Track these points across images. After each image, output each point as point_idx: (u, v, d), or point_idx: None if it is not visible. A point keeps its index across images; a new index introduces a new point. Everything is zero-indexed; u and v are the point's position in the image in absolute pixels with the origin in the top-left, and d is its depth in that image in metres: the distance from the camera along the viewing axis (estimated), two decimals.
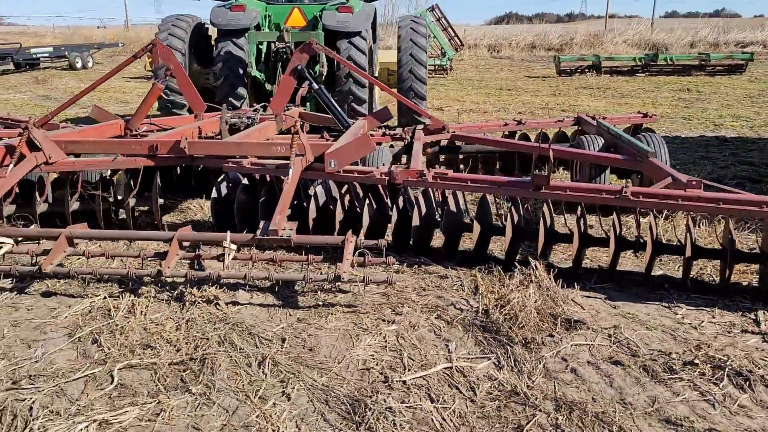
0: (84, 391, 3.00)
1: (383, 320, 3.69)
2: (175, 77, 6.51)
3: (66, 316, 3.74)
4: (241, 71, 8.71)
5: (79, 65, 24.72)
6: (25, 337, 3.52)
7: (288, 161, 4.87)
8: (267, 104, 7.26)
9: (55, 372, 3.16)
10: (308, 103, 8.48)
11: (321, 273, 4.05)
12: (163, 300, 3.96)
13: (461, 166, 6.51)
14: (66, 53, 24.97)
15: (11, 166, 4.56)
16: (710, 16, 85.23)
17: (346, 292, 4.05)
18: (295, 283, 4.09)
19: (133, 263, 4.33)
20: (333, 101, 6.44)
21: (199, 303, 3.90)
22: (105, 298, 3.97)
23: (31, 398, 2.94)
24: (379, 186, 4.67)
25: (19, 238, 4.20)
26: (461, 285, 4.12)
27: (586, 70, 20.44)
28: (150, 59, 20.94)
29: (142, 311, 3.77)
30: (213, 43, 9.60)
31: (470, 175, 4.52)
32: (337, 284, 3.88)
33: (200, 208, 5.90)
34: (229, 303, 3.92)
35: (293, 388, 3.01)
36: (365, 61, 8.74)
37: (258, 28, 8.95)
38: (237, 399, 2.92)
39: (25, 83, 19.27)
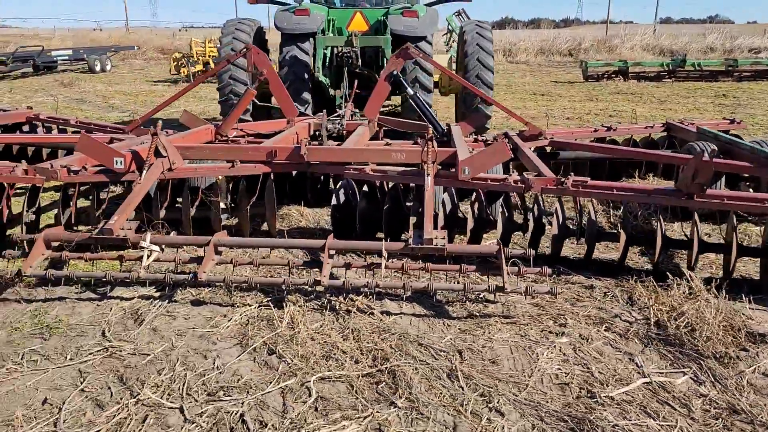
0: (286, 403, 2.95)
1: (549, 332, 3.64)
2: (268, 82, 6.44)
3: (228, 326, 3.68)
4: (306, 76, 8.66)
5: (98, 68, 24.62)
6: (197, 347, 3.47)
7: (409, 167, 4.86)
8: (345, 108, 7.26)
9: (246, 384, 3.11)
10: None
11: (481, 283, 3.98)
12: (316, 309, 3.90)
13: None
14: (84, 56, 24.90)
15: (145, 172, 4.51)
16: (704, 22, 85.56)
17: (494, 302, 4.00)
18: (449, 293, 4.03)
19: (280, 272, 4.29)
20: (429, 107, 6.39)
21: (354, 313, 3.85)
22: (258, 307, 3.91)
23: (237, 410, 2.88)
24: (514, 194, 4.63)
25: (163, 246, 4.14)
26: (613, 295, 4.07)
27: (613, 75, 20.42)
28: (175, 63, 21.12)
29: (301, 321, 3.72)
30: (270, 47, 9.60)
31: (612, 182, 4.47)
32: (497, 294, 3.83)
33: (300, 215, 5.83)
34: (383, 312, 3.87)
35: (498, 402, 2.96)
36: (430, 65, 8.71)
37: (322, 32, 8.92)
38: (449, 414, 2.87)
39: (50, 86, 19.14)
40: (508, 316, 3.82)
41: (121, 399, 2.98)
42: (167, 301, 4.00)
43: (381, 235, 4.93)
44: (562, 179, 4.41)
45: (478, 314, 3.86)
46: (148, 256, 3.96)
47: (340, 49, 8.80)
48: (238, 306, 3.94)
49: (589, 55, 30.02)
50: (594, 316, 3.80)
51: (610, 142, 6.78)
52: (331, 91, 8.93)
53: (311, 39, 8.73)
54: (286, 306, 3.87)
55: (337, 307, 3.91)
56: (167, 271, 4.01)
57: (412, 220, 4.76)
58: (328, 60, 9.00)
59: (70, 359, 3.34)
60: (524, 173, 4.70)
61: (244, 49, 6.38)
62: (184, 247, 4.37)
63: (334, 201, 5.03)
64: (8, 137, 6.81)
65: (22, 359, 3.35)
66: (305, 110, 8.57)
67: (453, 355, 3.39)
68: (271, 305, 3.93)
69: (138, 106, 14.65)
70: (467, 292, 3.74)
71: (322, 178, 6.01)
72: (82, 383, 3.12)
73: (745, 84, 18.92)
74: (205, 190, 5.17)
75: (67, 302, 4.00)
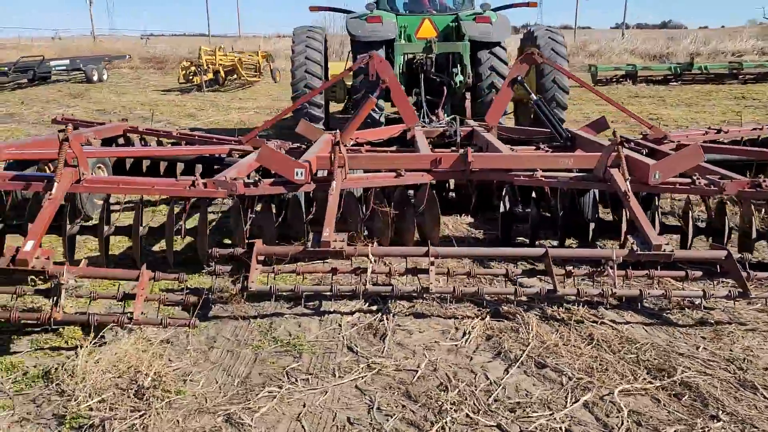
0: (599, 418, 2.85)
1: None
2: (390, 89, 6.34)
3: (469, 339, 3.58)
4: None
5: (95, 78, 24.10)
6: (456, 361, 3.36)
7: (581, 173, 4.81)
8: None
9: (541, 399, 3.00)
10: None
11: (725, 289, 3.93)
12: (541, 319, 3.81)
13: None
14: (81, 65, 24.40)
15: (335, 184, 4.36)
16: (659, 27, 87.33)
17: (711, 309, 3.94)
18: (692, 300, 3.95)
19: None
20: (552, 112, 6.34)
21: (587, 323, 3.77)
22: (484, 318, 3.81)
23: (558, 426, 2.78)
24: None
25: (374, 258, 4.00)
26: None
27: (621, 79, 20.70)
28: (183, 72, 20.79)
29: (542, 332, 3.63)
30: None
31: None
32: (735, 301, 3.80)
33: (444, 225, 5.64)
34: (612, 321, 3.80)
35: None
36: (506, 70, 8.71)
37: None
38: None
39: (59, 97, 18.54)
40: (742, 323, 3.78)
41: (432, 417, 2.86)
42: (390, 314, 3.87)
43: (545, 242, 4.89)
44: (758, 181, 4.40)
45: (712, 322, 3.80)
46: (370, 269, 3.83)
47: (414, 55, 8.76)
48: (461, 318, 3.83)
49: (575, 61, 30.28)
50: None
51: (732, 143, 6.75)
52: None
53: (384, 46, 8.67)
54: (523, 317, 3.77)
55: (559, 317, 3.84)
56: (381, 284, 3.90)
57: (591, 225, 4.71)
58: (401, 66, 8.93)
59: (340, 377, 3.20)
60: (707, 176, 4.66)
61: (367, 57, 6.28)
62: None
63: (502, 208, 4.94)
64: (127, 151, 6.61)
65: (286, 377, 3.20)
66: (379, 117, 8.49)
67: (727, 365, 3.32)
68: (501, 316, 3.84)
69: (167, 117, 14.35)
70: (707, 299, 3.70)
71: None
72: (373, 401, 2.99)
73: (751, 86, 19.33)
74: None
75: (287, 318, 3.84)
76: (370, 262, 3.82)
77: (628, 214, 4.36)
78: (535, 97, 6.37)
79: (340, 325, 3.74)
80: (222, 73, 20.60)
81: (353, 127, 6.22)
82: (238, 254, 3.94)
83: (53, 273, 3.42)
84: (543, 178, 4.78)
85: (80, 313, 3.45)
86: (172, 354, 3.43)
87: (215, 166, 6.13)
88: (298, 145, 6.34)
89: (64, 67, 24.09)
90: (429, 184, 4.90)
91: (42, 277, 3.45)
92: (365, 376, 3.21)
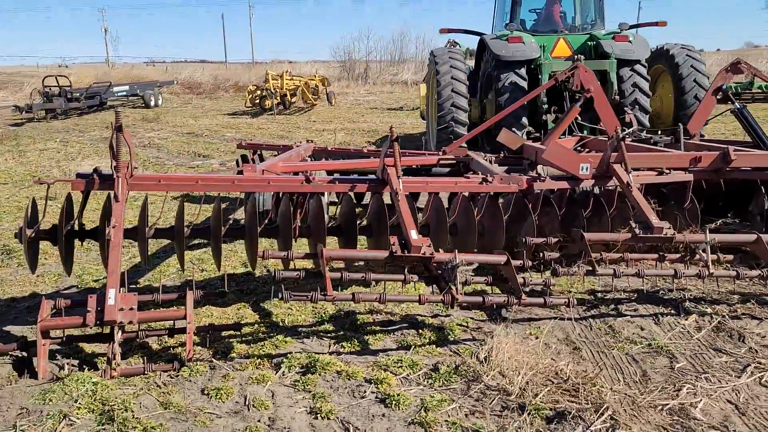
0: None
1: None
2: (594, 99, 6.55)
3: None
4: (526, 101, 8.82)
5: (152, 103, 24.53)
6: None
7: None
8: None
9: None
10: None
11: None
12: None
13: None
14: (138, 91, 24.85)
15: (631, 176, 4.55)
16: None
17: None
18: None
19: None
20: (756, 122, 6.51)
21: None
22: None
23: None
24: None
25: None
26: None
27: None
28: (250, 96, 21.15)
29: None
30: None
31: None
32: None
33: None
34: None
35: None
36: (647, 86, 8.98)
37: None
38: None
39: (132, 123, 18.64)
40: None
41: None
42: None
43: None
44: None
45: None
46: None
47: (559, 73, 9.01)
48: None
49: None
50: None
51: None
52: (545, 116, 9.08)
53: (526, 65, 8.96)
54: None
55: None
56: None
57: None
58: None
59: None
60: None
61: (574, 68, 6.51)
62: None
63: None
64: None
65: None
66: (522, 134, 8.70)
67: None
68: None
69: (263, 139, 14.49)
70: None
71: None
72: None
73: None
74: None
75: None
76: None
77: None
78: (738, 105, 6.56)
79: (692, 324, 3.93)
80: (289, 96, 20.96)
81: (556, 134, 6.44)
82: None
83: (441, 260, 3.59)
84: None
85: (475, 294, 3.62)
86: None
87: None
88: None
89: (125, 93, 24.52)
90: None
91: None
92: None
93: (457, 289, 3.45)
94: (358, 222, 4.26)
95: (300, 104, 21.89)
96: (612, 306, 4.32)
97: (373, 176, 4.64)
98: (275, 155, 7.40)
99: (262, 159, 7.49)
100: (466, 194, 4.62)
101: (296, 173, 4.88)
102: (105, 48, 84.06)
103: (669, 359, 3.55)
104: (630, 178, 4.53)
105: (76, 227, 4.00)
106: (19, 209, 7.36)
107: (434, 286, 3.68)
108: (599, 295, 4.51)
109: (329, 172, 5.42)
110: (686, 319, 4.05)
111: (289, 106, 21.21)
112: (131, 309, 3.36)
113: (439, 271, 3.60)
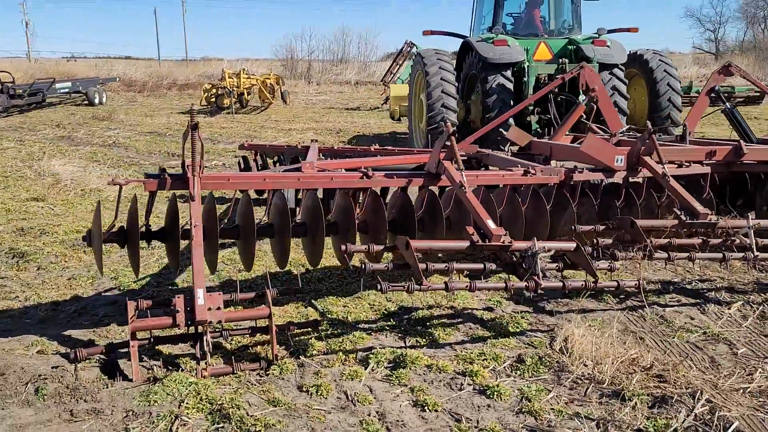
0: None
1: None
2: (597, 99, 6.79)
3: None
4: (511, 102, 9.06)
5: (96, 100, 23.73)
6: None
7: None
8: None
9: None
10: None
11: None
12: None
13: None
14: (80, 88, 23.97)
15: (665, 168, 4.75)
16: None
17: None
18: None
19: None
20: (745, 122, 6.89)
21: None
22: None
23: None
24: None
25: None
26: None
27: None
28: (205, 94, 20.75)
29: None
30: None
31: None
32: None
33: None
34: None
35: None
36: (625, 90, 9.39)
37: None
38: None
39: (83, 122, 17.98)
40: None
41: None
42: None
43: None
44: None
45: None
46: None
47: (543, 76, 9.32)
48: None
49: None
50: None
51: None
52: (529, 117, 9.34)
53: (511, 67, 9.22)
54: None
55: None
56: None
57: None
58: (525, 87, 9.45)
59: None
60: None
61: (579, 68, 6.74)
62: None
63: None
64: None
65: None
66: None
67: None
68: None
69: (227, 138, 14.30)
70: None
71: None
72: None
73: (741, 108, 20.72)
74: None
75: None
76: None
77: None
78: (729, 106, 6.94)
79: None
80: (246, 95, 20.69)
81: (563, 130, 6.66)
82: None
83: (519, 248, 3.68)
84: None
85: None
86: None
87: None
88: None
89: (67, 90, 23.56)
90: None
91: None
92: None
93: (539, 275, 3.55)
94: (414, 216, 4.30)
95: (255, 103, 21.61)
96: (653, 297, 4.52)
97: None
98: (275, 156, 7.40)
99: (264, 160, 7.44)
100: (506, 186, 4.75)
101: (350, 170, 4.86)
102: (26, 42, 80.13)
103: (728, 346, 3.76)
104: (665, 169, 4.75)
105: (143, 229, 3.90)
106: (7, 211, 7.03)
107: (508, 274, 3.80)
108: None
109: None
110: (729, 308, 4.29)
111: (246, 104, 20.92)
112: (218, 308, 3.32)
113: (515, 259, 3.70)
